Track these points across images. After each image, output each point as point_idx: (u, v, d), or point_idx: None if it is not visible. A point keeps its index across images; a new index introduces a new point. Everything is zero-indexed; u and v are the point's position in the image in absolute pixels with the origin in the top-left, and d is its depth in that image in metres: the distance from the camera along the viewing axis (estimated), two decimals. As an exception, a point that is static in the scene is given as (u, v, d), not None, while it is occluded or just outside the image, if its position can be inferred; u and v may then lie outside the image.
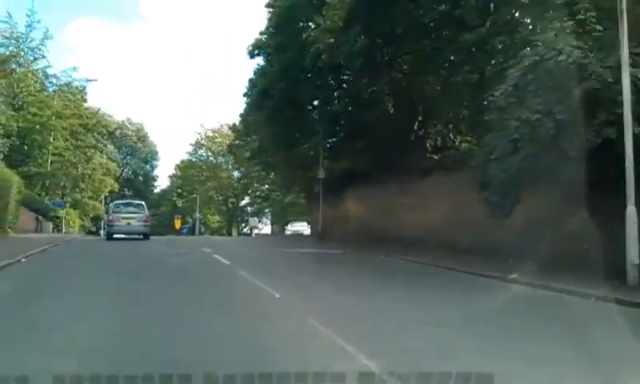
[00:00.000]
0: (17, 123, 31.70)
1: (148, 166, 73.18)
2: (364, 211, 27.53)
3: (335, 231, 28.81)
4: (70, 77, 37.23)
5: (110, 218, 25.17)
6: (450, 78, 22.62)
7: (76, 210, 47.47)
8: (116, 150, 61.69)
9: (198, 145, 72.93)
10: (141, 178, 71.21)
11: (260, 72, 30.15)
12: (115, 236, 24.50)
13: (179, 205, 76.87)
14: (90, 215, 51.22)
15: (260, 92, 28.74)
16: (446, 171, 20.63)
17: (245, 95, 32.86)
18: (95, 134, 45.02)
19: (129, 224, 24.16)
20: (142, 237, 24.14)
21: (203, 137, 72.57)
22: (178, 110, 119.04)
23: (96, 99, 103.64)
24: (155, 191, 77.32)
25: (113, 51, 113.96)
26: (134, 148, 69.34)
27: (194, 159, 74.12)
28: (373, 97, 26.28)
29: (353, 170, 26.66)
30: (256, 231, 62.24)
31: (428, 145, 25.89)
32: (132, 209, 25.54)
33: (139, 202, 27.85)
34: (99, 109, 45.90)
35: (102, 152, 47.45)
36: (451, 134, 25.81)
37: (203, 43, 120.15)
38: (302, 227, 45.80)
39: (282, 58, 25.93)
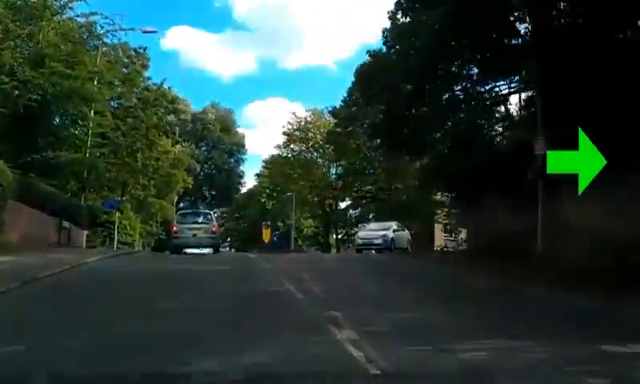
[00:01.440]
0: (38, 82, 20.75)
1: (233, 160, 61.68)
2: (600, 221, 14.45)
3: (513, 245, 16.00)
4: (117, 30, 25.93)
5: (174, 229, 23.04)
6: None
7: (138, 214, 36.63)
8: (191, 145, 50.80)
9: (290, 136, 61.30)
10: (224, 174, 59.88)
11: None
12: (187, 251, 22.17)
13: (268, 207, 65.99)
14: (158, 220, 40.44)
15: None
16: None
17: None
18: (161, 112, 33.76)
19: (195, 236, 22.18)
20: (210, 250, 22.53)
21: (296, 127, 60.92)
22: (268, 97, 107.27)
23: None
24: (241, 191, 66.37)
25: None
26: (217, 139, 58.25)
27: (285, 154, 62.72)
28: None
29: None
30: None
31: None
32: (198, 219, 23.61)
33: (206, 211, 26.86)
34: (164, 80, 34.55)
35: (168, 136, 35.87)
36: None
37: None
38: (384, 233, 27.89)
39: None
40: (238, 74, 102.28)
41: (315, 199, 62.51)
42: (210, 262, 18.10)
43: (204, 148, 57.36)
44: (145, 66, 31.79)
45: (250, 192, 73.89)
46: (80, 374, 5.02)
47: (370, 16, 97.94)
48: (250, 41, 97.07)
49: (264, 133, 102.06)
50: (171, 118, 35.92)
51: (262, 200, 67.04)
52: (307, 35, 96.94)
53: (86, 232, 25.74)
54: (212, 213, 26.61)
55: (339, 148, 52.48)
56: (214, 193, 58.82)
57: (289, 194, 60.12)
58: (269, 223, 49.30)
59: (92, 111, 25.98)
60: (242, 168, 61.38)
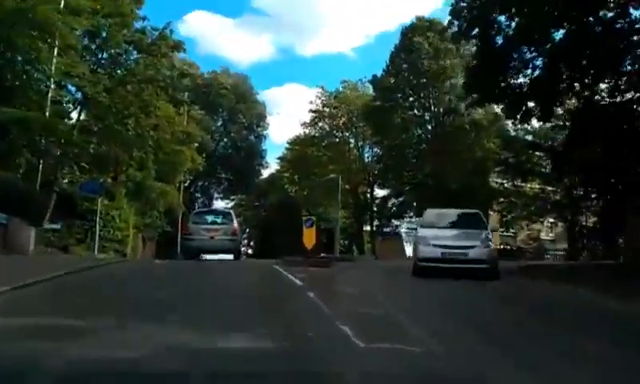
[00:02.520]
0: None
1: (253, 137, 52.30)
2: None
3: None
4: None
5: (189, 230, 20.04)
6: None
7: (133, 202, 28.39)
8: (205, 116, 42.11)
9: (318, 113, 52.67)
10: (243, 153, 50.58)
11: None
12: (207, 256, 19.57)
13: (292, 193, 57.45)
14: (161, 209, 32.07)
15: None
16: None
17: None
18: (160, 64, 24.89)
19: (212, 238, 19.24)
20: (229, 255, 19.39)
21: (325, 102, 52.23)
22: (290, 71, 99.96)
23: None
24: (262, 174, 57.80)
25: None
26: (233, 110, 48.98)
27: (311, 133, 54.14)
28: None
29: None
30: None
31: None
32: (216, 219, 20.46)
33: (226, 209, 24.85)
34: (168, 25, 25.63)
35: (169, 95, 26.87)
36: None
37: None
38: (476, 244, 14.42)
39: None
40: (255, 60, 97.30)
41: (346, 186, 54.07)
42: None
43: (219, 122, 48.32)
44: (138, 1, 23.20)
45: (271, 177, 65.80)
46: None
47: (388, 3, 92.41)
48: (267, 26, 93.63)
49: (282, 120, 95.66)
50: (173, 75, 27.16)
51: (285, 186, 58.66)
52: (325, 22, 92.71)
53: (34, 230, 17.10)
54: (232, 212, 23.34)
55: (378, 125, 43.84)
56: (230, 177, 49.99)
57: (331, 176, 51.59)
58: (312, 220, 37.17)
59: (55, 50, 17.51)
60: (263, 145, 51.62)
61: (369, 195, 53.30)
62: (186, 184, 48.33)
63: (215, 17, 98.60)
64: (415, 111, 43.19)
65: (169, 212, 32.59)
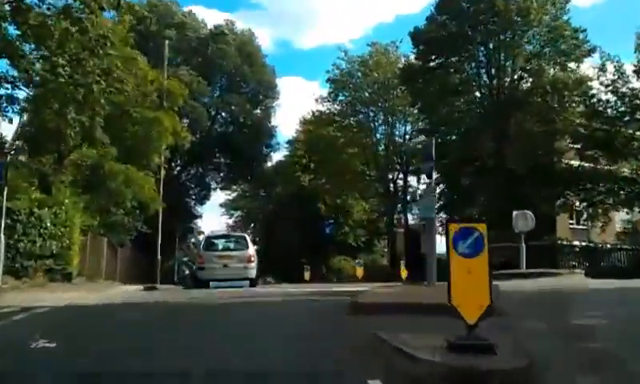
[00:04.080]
0: None
1: (259, 111, 41.64)
2: None
3: None
4: None
5: (200, 259, 18.88)
6: None
7: (87, 194, 19.08)
8: (196, 78, 31.79)
9: (338, 84, 42.94)
10: (246, 131, 40.12)
11: None
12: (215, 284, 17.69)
13: (304, 183, 48.06)
14: (132, 203, 22.35)
15: None
16: None
17: None
18: None
19: (226, 266, 18.18)
20: (246, 283, 17.89)
21: (346, 69, 42.52)
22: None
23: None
24: (272, 158, 47.92)
25: None
26: (235, 73, 38.21)
27: (329, 109, 44.50)
28: None
29: None
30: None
31: None
32: (230, 245, 19.63)
33: (240, 234, 23.39)
34: None
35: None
36: None
37: None
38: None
39: None
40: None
41: (372, 173, 44.56)
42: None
43: (216, 92, 37.83)
44: None
45: (280, 164, 56.35)
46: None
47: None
48: (264, 20, 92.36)
49: (281, 113, 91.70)
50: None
51: (296, 173, 49.10)
52: (322, 14, 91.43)
53: None
54: (247, 237, 21.76)
55: (418, 91, 34.14)
56: (229, 161, 39.71)
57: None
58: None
59: None
60: (273, 120, 40.51)
61: (401, 182, 43.69)
62: (176, 172, 38.65)
63: (211, 11, 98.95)
64: (472, 68, 33.25)
65: (142, 209, 22.86)
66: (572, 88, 29.68)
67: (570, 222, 38.45)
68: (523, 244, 19.48)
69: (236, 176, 39.99)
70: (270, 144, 40.11)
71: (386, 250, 53.98)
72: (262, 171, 41.53)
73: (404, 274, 28.55)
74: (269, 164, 48.74)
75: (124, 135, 21.04)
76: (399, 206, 44.51)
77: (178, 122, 21.95)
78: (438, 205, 37.81)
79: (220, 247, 19.47)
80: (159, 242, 24.37)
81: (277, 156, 48.29)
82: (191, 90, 31.03)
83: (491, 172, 31.65)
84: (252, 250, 19.50)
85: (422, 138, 40.42)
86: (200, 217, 48.07)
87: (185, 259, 32.49)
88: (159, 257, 24.24)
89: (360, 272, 31.76)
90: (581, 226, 37.27)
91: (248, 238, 21.21)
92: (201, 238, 30.49)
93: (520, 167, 30.17)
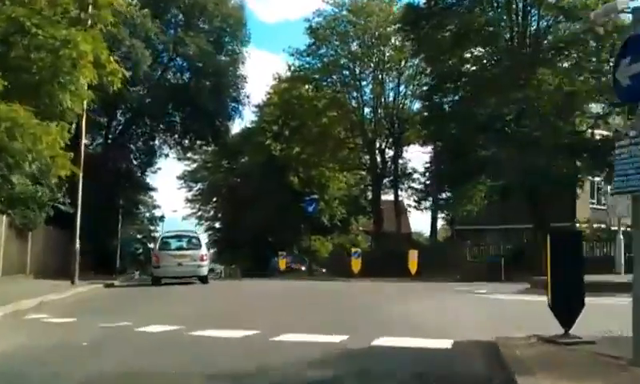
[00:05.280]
0: None
1: (223, 56, 31.65)
2: None
3: None
4: None
5: (156, 258, 19.67)
6: None
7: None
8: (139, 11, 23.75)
9: (318, 35, 35.86)
10: (208, 83, 30.44)
11: None
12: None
13: (275, 152, 41.45)
14: (33, 163, 15.16)
15: None
16: None
17: None
18: None
19: (180, 265, 19.16)
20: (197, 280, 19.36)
21: (331, 16, 35.53)
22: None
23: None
24: (241, 117, 40.35)
25: None
26: (191, 4, 28.86)
27: (306, 66, 37.42)
28: None
29: None
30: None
31: None
32: (184, 244, 20.42)
33: (193, 234, 22.84)
34: None
35: None
36: None
37: None
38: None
39: None
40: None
41: (356, 141, 37.94)
42: None
43: (170, 31, 29.13)
44: None
45: (247, 131, 49.53)
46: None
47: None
48: None
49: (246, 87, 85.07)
50: None
51: (267, 142, 42.36)
52: None
53: None
54: (199, 237, 22.61)
55: (424, 38, 27.57)
56: (185, 119, 30.90)
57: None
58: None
59: None
60: (241, 69, 31.66)
61: (391, 152, 37.10)
62: (118, 131, 30.81)
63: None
64: (490, 11, 26.79)
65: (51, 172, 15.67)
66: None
67: (592, 201, 32.81)
68: (621, 236, 13.51)
69: (195, 137, 31.96)
70: (238, 98, 31.78)
71: (362, 229, 48.22)
72: (226, 131, 33.60)
73: (413, 267, 22.54)
74: (237, 124, 41.39)
75: (21, 65, 13.78)
76: (386, 180, 38.12)
77: (105, 49, 14.67)
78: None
79: (174, 247, 20.32)
80: (78, 221, 17.32)
81: (246, 117, 40.84)
82: (135, 27, 23.51)
83: (512, 139, 25.40)
84: (204, 249, 20.56)
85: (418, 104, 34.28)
86: (155, 190, 41.05)
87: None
88: (78, 244, 17.27)
89: (357, 266, 25.31)
90: (602, 206, 31.64)
91: (201, 238, 22.43)
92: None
93: (547, 137, 24.09)
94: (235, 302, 12.80)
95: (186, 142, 32.58)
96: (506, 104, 25.70)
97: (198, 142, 33.75)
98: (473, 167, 26.54)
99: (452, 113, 28.75)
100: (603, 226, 25.37)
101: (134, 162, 31.91)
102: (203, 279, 19.22)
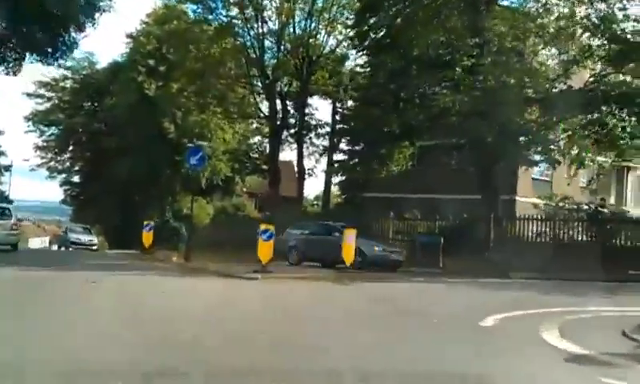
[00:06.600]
0: None
1: None
2: None
3: None
4: None
5: None
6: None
7: None
8: None
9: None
10: None
11: None
12: None
13: (149, 91, 33.57)
14: None
15: None
16: None
17: None
18: None
19: None
20: (9, 248, 20.60)
21: None
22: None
23: None
24: (95, 24, 30.66)
25: None
26: None
27: None
28: None
29: None
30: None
31: None
32: None
33: (6, 205, 23.90)
34: None
35: None
36: None
37: None
38: None
39: None
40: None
41: (250, 80, 30.21)
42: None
43: None
44: None
45: (116, 64, 41.12)
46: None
47: None
48: None
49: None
50: None
51: (139, 79, 34.41)
52: None
53: None
54: (10, 207, 23.34)
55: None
56: (14, 26, 20.95)
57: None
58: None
59: None
60: None
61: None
62: None
63: None
64: None
65: None
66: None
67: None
68: None
69: (23, 47, 21.98)
70: (93, 1, 21.68)
71: (246, 189, 41.25)
72: (73, 45, 23.64)
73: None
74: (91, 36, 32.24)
75: None
76: (287, 133, 30.98)
77: None
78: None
79: None
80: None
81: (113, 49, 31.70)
82: None
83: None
84: (15, 218, 21.68)
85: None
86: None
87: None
88: None
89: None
90: (544, 178, 26.50)
91: (11, 209, 22.80)
92: None
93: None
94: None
95: (11, 55, 22.72)
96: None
97: (30, 57, 23.57)
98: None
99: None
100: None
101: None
102: (14, 246, 20.86)
